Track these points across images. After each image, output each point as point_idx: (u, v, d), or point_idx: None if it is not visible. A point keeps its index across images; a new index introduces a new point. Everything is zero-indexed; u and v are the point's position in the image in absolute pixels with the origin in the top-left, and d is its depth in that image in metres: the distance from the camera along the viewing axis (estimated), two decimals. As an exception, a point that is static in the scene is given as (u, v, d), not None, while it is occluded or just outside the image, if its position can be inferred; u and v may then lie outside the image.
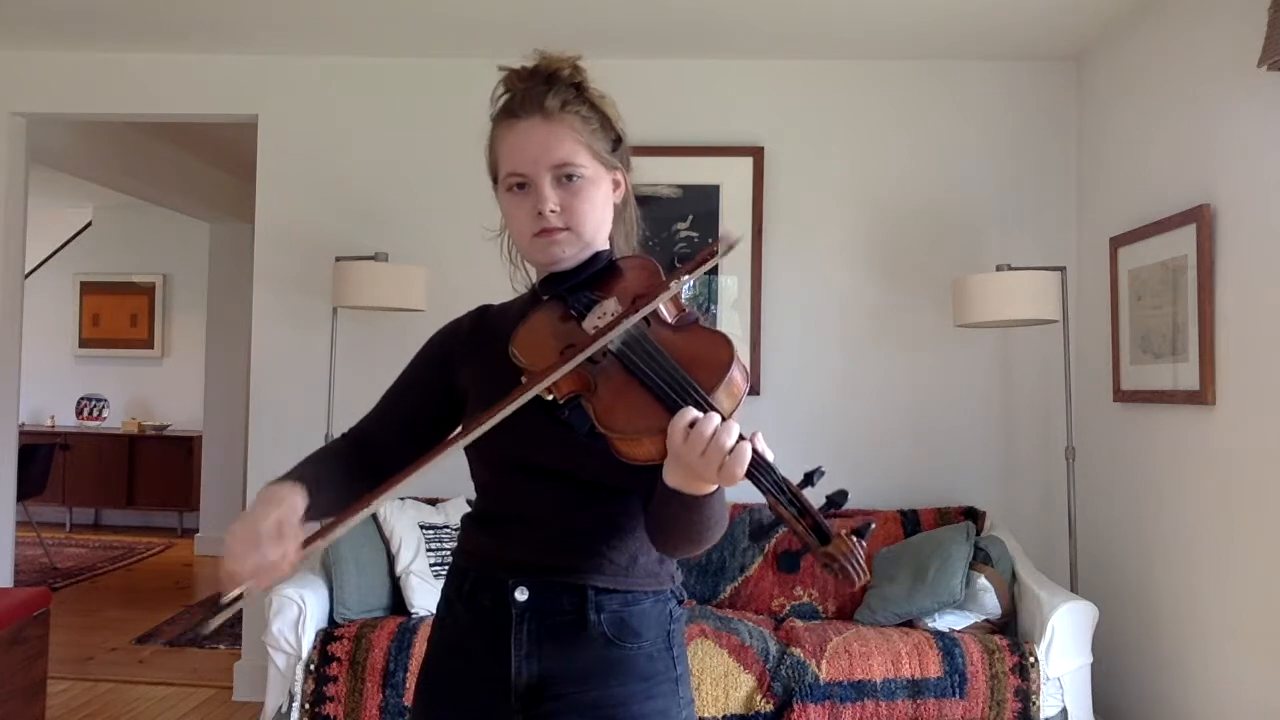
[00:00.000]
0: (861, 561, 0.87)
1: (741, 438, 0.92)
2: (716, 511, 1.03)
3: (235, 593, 0.98)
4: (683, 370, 0.98)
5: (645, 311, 1.03)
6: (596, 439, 1.01)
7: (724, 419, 0.92)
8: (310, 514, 1.03)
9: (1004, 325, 3.29)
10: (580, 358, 1.01)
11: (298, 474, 1.10)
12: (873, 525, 0.90)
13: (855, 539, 0.88)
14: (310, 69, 3.64)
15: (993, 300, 3.09)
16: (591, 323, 1.09)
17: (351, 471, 1.19)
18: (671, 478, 0.97)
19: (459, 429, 1.13)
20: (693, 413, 0.93)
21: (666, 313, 1.09)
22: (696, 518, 1.02)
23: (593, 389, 1.02)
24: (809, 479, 0.91)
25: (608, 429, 0.99)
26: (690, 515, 1.01)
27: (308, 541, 1.01)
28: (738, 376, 0.99)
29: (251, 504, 1.05)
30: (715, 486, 0.98)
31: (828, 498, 0.91)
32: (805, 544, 0.89)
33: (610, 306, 1.09)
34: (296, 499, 1.02)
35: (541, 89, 1.15)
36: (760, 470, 0.92)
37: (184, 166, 5.49)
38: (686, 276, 1.04)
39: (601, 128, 1.18)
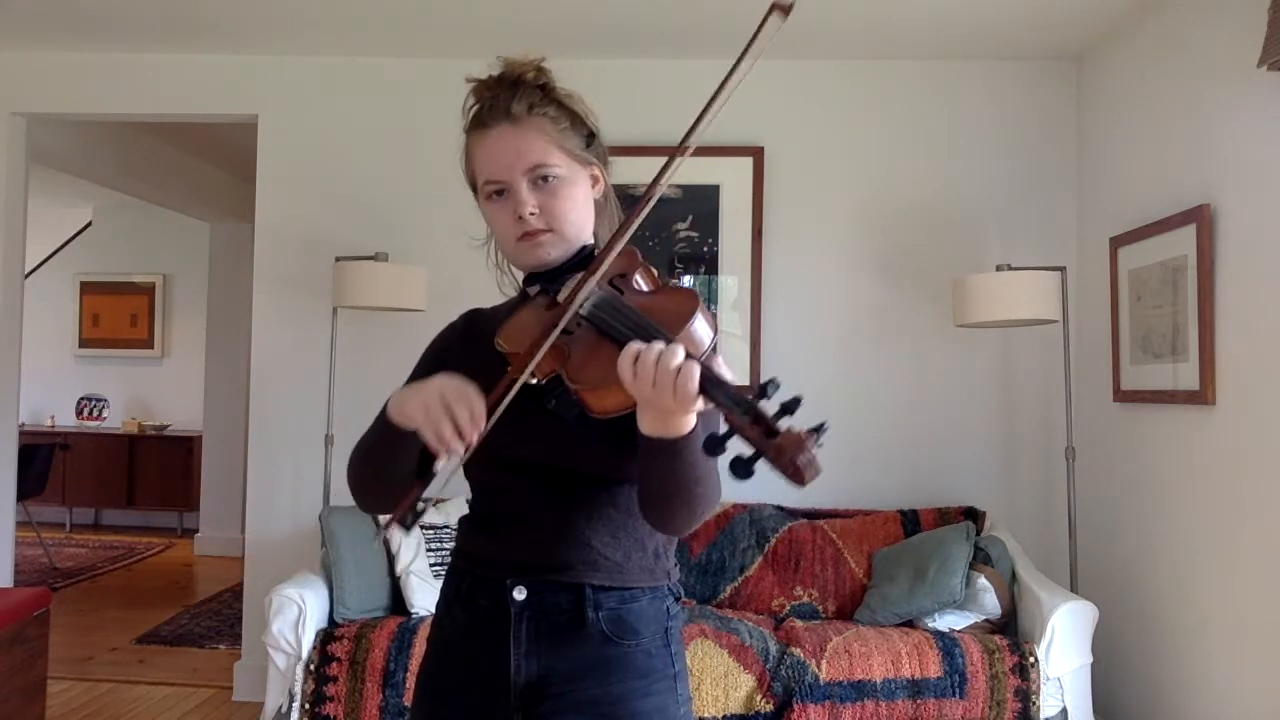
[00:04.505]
0: (812, 454, 0.85)
1: (690, 358, 0.93)
2: (700, 463, 1.03)
3: (444, 460, 1.01)
4: (648, 320, 1.01)
5: (608, 261, 1.06)
6: (585, 424, 1.03)
7: (670, 343, 0.94)
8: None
9: (1004, 325, 3.29)
10: (557, 329, 1.03)
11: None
12: (826, 425, 0.89)
13: (809, 434, 0.87)
14: (310, 69, 3.63)
15: (993, 300, 3.09)
16: (563, 297, 1.11)
17: None
18: (643, 423, 1.00)
19: None
20: (637, 344, 0.95)
21: (643, 282, 1.12)
22: (680, 468, 1.02)
23: (568, 357, 1.05)
24: (764, 390, 0.91)
25: (577, 384, 1.01)
26: (674, 467, 1.02)
27: (490, 409, 1.02)
28: (702, 321, 1.02)
29: (400, 392, 1.08)
30: (690, 427, 0.99)
31: (781, 404, 0.91)
32: (758, 447, 0.89)
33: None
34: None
35: (507, 95, 1.17)
36: (712, 385, 0.93)
37: (184, 166, 5.49)
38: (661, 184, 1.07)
39: (572, 126, 1.19)
